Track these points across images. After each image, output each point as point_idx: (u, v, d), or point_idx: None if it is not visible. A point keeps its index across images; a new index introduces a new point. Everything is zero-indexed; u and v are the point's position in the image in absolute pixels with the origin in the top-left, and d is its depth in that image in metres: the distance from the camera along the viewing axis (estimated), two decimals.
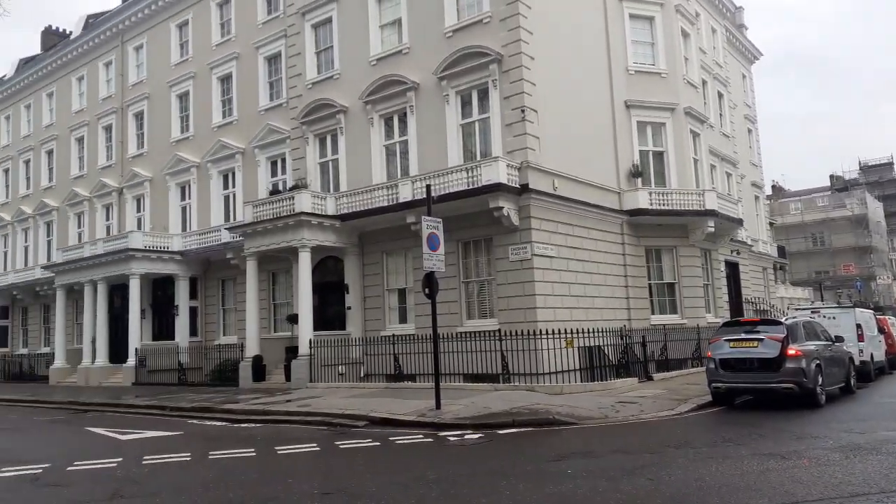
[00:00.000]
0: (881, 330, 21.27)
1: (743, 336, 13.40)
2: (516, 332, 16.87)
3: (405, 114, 21.57)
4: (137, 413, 17.49)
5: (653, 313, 22.88)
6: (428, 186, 14.86)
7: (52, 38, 40.27)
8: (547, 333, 16.80)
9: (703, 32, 29.61)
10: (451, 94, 20.38)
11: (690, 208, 22.90)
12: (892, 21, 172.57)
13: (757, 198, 38.10)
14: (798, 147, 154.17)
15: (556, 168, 19.63)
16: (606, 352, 18.38)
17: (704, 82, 28.64)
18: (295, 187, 22.84)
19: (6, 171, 40.50)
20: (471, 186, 18.25)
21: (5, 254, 39.90)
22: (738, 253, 30.13)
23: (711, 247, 25.37)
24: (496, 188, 17.74)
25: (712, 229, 23.29)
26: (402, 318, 21.26)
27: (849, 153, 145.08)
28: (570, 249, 19.91)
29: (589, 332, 17.47)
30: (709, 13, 30.93)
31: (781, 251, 44.65)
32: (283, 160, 25.48)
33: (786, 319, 14.87)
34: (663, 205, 22.69)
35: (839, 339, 15.60)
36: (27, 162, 38.87)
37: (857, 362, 16.87)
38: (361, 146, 22.49)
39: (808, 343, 13.49)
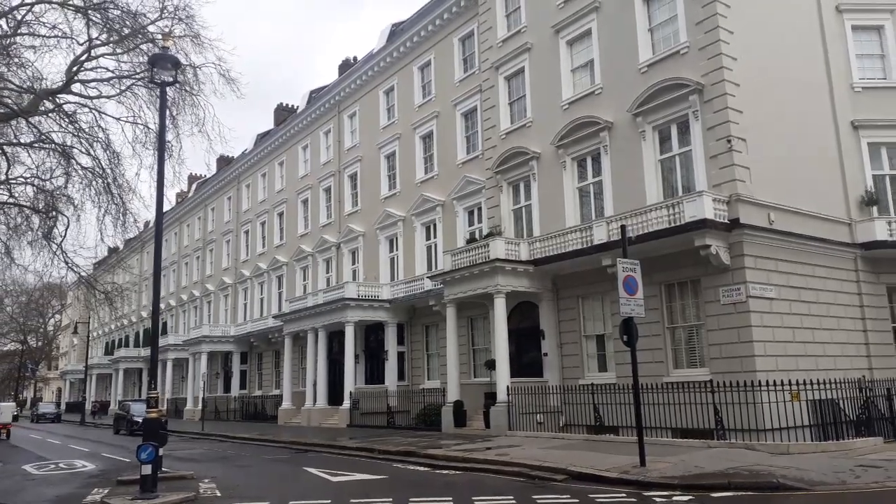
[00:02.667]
0: None
1: None
2: (731, 383, 15.35)
3: (598, 154, 21.11)
4: (349, 455, 18.48)
5: None
6: (623, 227, 14.20)
7: (283, 114, 45.83)
8: (768, 385, 15.04)
9: None
10: (648, 129, 19.58)
11: None
12: None
13: None
14: None
15: (770, 200, 17.86)
16: (842, 406, 16.02)
17: None
18: (489, 235, 23.26)
19: (247, 232, 46.30)
20: (672, 224, 17.22)
21: (245, 305, 45.32)
22: None
23: None
24: (702, 224, 16.50)
25: None
26: (602, 366, 20.39)
27: None
28: (793, 290, 17.86)
29: (819, 384, 15.34)
30: None
31: None
32: (479, 209, 26.16)
33: None
34: None
35: None
36: (263, 223, 44.16)
37: None
38: (554, 190, 22.35)
39: None
